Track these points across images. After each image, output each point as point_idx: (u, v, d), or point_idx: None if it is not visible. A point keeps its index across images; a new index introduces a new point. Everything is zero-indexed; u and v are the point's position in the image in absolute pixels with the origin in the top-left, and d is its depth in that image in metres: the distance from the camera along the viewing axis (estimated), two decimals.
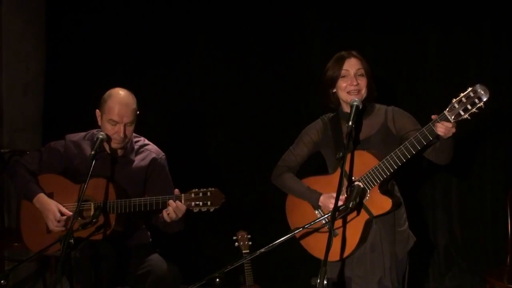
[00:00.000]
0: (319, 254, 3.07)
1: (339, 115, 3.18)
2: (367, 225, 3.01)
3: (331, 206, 2.99)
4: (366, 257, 3.04)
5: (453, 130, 2.78)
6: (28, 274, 4.69)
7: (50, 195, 3.32)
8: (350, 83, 3.04)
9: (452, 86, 4.30)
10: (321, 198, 3.09)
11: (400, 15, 4.34)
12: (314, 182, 3.18)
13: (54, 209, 3.23)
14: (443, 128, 2.76)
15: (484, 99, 2.67)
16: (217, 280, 2.53)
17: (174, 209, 3.10)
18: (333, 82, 3.09)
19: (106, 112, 3.24)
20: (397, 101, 3.21)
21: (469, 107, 2.69)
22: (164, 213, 3.15)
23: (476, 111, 2.70)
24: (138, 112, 3.31)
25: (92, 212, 3.19)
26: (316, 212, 3.16)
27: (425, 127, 2.82)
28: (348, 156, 2.98)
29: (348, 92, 3.05)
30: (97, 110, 3.31)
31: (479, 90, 2.67)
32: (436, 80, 4.35)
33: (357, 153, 3.01)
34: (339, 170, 3.02)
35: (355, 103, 2.96)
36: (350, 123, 2.85)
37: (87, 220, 3.13)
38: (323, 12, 4.48)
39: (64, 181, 3.34)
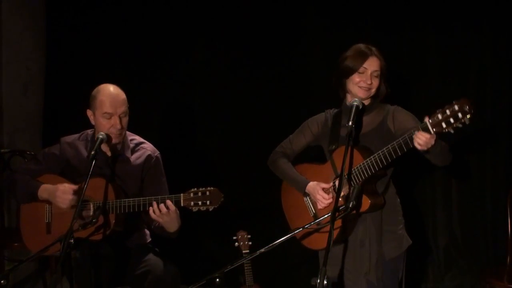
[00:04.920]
0: (312, 245, 3.14)
1: (341, 109, 3.19)
2: (350, 218, 3.01)
3: (317, 196, 3.08)
4: (355, 252, 3.07)
5: (431, 141, 2.72)
6: (28, 274, 4.69)
7: None
8: (365, 80, 3.03)
9: (452, 86, 4.32)
10: (308, 185, 3.15)
11: (400, 14, 4.34)
12: (304, 169, 3.23)
13: (64, 188, 3.20)
14: (419, 140, 2.72)
15: (468, 116, 2.59)
16: (217, 280, 2.53)
17: (163, 213, 3.09)
18: (349, 74, 3.07)
19: (98, 107, 3.24)
20: (397, 101, 3.21)
21: (451, 120, 2.62)
22: (152, 214, 3.14)
23: (460, 125, 2.62)
24: (128, 106, 3.31)
25: (91, 212, 3.19)
26: (305, 199, 3.20)
27: (407, 134, 2.78)
28: (342, 150, 2.95)
29: (360, 87, 3.04)
30: (88, 110, 3.31)
31: (464, 105, 2.60)
32: (436, 80, 4.35)
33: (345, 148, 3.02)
34: (329, 161, 3.10)
35: (355, 103, 2.97)
36: (350, 123, 2.86)
37: (86, 220, 3.13)
38: (322, 12, 4.48)
39: (62, 181, 3.33)
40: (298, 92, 4.55)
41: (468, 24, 4.24)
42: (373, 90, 3.06)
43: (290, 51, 4.57)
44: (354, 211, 2.95)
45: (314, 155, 3.35)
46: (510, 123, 4.21)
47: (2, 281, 2.61)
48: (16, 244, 4.05)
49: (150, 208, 3.12)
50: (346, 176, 2.98)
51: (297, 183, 3.21)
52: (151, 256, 3.35)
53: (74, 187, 3.21)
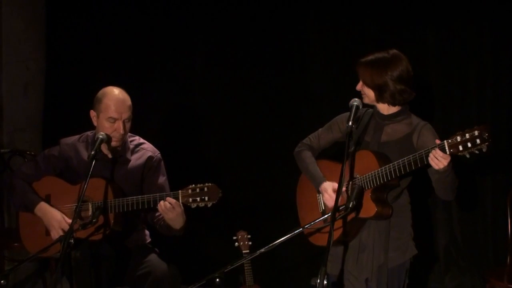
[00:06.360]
0: (319, 242, 3.13)
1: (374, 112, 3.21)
2: (355, 221, 3.01)
3: (325, 194, 3.09)
4: (356, 255, 3.07)
5: (444, 162, 2.73)
6: (28, 274, 4.69)
7: (47, 197, 3.33)
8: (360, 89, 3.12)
9: (452, 86, 4.32)
10: (322, 185, 3.14)
11: (400, 14, 4.34)
12: (324, 165, 3.23)
13: (59, 218, 3.23)
14: (433, 156, 2.74)
15: (486, 143, 2.60)
16: (217, 280, 2.53)
17: (166, 209, 3.09)
18: None
19: (103, 110, 3.23)
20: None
21: (469, 144, 2.63)
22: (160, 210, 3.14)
23: (476, 152, 2.64)
24: (132, 111, 3.30)
25: (90, 212, 3.19)
26: (317, 196, 3.21)
27: (424, 150, 2.80)
28: (361, 154, 3.01)
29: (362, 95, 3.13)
30: (92, 111, 3.30)
31: (484, 132, 2.60)
32: (436, 80, 4.35)
33: (364, 153, 3.03)
34: (347, 163, 3.06)
35: (355, 103, 2.98)
36: (350, 123, 2.87)
37: (86, 220, 3.13)
38: (323, 13, 4.48)
39: (61, 182, 3.35)
40: (299, 93, 4.55)
41: (468, 24, 4.24)
42: (371, 96, 3.06)
43: (290, 52, 4.57)
44: (359, 215, 2.96)
45: (337, 149, 3.34)
46: (510, 123, 4.21)
47: (2, 281, 2.61)
48: (16, 244, 4.05)
49: (158, 204, 3.11)
50: (358, 177, 3.00)
51: (314, 179, 3.20)
52: (151, 257, 3.35)
53: (69, 220, 3.21)
